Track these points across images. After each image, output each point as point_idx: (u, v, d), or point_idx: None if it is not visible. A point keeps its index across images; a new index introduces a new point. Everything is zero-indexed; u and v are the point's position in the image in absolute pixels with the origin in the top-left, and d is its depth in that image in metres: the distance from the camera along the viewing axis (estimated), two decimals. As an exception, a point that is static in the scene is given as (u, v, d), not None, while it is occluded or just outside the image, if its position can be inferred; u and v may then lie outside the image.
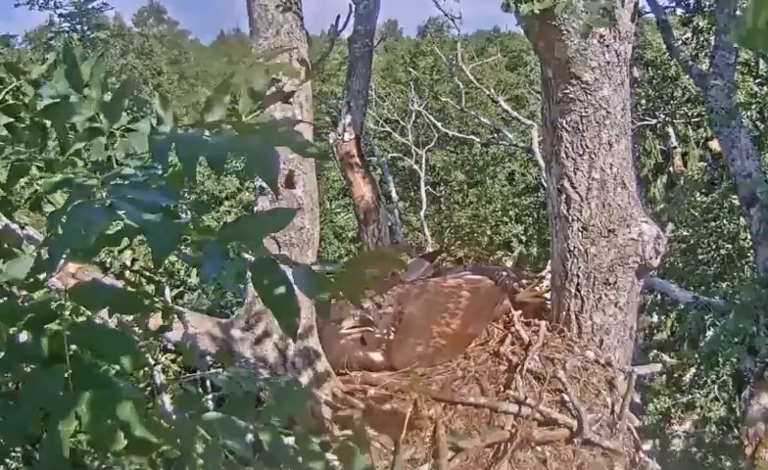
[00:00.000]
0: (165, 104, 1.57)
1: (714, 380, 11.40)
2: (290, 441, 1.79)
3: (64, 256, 1.36)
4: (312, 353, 4.17)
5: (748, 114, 9.70)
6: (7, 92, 1.98)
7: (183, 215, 1.43)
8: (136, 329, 2.16)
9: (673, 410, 12.35)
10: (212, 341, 4.09)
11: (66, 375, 1.40)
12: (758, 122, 10.25)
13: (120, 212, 1.29)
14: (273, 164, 1.35)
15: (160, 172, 1.43)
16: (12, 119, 1.95)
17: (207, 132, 1.38)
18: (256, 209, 4.37)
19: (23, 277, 1.54)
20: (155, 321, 2.04)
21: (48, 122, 1.88)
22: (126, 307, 1.60)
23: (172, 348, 5.30)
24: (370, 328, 4.46)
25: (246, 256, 1.34)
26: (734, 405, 11.68)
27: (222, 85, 1.52)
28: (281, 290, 1.32)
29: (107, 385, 1.43)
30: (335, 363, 4.35)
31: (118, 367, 1.50)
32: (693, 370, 11.49)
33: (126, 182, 1.43)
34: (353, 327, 4.46)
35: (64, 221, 1.31)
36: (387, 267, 1.47)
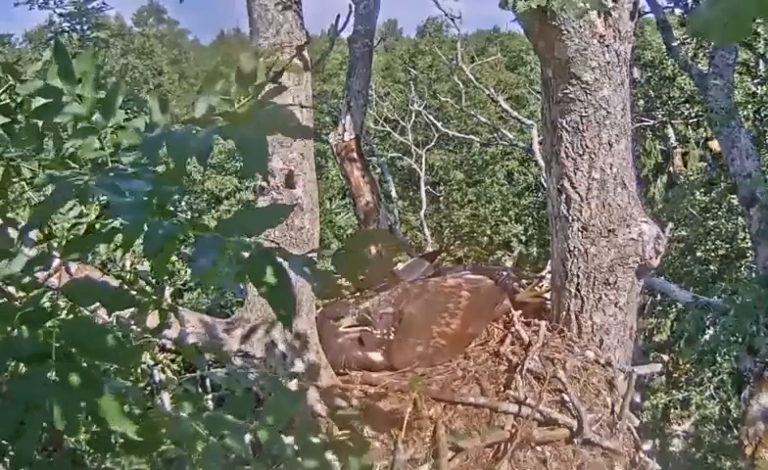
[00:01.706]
0: (162, 104, 1.57)
1: (711, 378, 11.42)
2: (289, 440, 1.78)
3: (57, 254, 1.37)
4: (309, 351, 4.16)
5: (744, 113, 9.72)
6: (3, 92, 1.98)
7: (182, 215, 1.43)
8: (134, 327, 2.16)
9: (672, 410, 12.37)
10: (210, 340, 4.08)
11: (51, 372, 1.41)
12: (756, 122, 10.27)
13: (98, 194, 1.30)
14: (264, 153, 1.36)
15: (151, 169, 1.43)
16: (8, 119, 1.94)
17: (197, 128, 1.38)
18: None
19: (13, 273, 1.54)
20: (152, 319, 2.04)
21: (40, 123, 1.87)
22: (120, 304, 1.60)
23: (172, 347, 5.29)
24: (368, 328, 4.45)
25: (245, 254, 1.33)
26: (729, 404, 11.70)
27: (213, 74, 1.51)
28: (277, 280, 1.32)
29: (90, 381, 1.43)
30: (334, 362, 4.35)
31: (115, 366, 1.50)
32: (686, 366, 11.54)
33: (114, 174, 1.43)
34: (351, 326, 4.46)
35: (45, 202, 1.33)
36: (386, 258, 1.48)
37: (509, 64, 27.42)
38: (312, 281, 1.34)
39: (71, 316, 1.52)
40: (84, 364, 1.46)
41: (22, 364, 1.51)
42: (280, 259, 1.33)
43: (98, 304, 1.54)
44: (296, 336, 4.05)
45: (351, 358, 4.42)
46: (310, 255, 1.36)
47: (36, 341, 1.44)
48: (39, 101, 1.77)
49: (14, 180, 1.92)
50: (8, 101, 1.99)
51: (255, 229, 1.36)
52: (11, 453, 1.56)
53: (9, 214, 1.95)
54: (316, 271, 1.34)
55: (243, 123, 1.38)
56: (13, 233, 1.75)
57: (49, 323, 1.45)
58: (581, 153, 4.24)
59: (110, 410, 1.43)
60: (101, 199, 1.59)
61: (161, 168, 1.47)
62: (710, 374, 11.21)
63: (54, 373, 1.41)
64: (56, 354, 1.42)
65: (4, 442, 1.54)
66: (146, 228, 1.27)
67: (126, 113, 1.80)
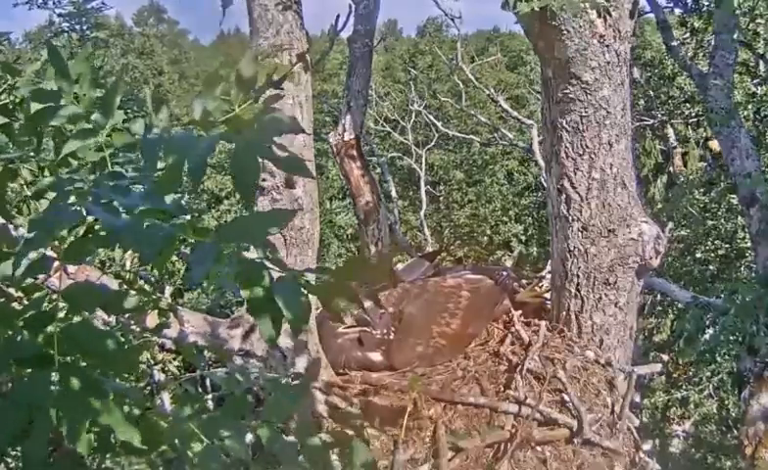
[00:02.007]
0: (156, 103, 1.56)
1: (710, 378, 11.43)
2: (289, 439, 1.78)
3: (54, 255, 1.36)
4: (309, 350, 4.16)
5: (744, 113, 9.72)
6: (2, 92, 1.97)
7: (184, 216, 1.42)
8: (134, 327, 2.16)
9: (672, 409, 12.38)
10: (212, 339, 4.08)
11: (54, 376, 1.40)
12: (756, 122, 10.26)
13: (92, 216, 1.29)
14: (254, 175, 1.35)
15: (152, 173, 1.42)
16: (8, 119, 1.93)
17: (197, 131, 1.37)
18: (256, 209, 4.36)
19: (10, 274, 1.53)
20: (152, 319, 2.04)
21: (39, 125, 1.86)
22: (121, 307, 1.60)
23: (172, 347, 5.29)
24: (367, 328, 4.45)
25: (246, 254, 1.32)
26: (727, 402, 11.71)
27: (212, 76, 1.51)
28: (265, 297, 1.30)
29: (94, 386, 1.42)
30: (334, 363, 4.35)
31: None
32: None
33: (112, 184, 1.42)
34: (350, 326, 4.46)
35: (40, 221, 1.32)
36: (376, 279, 1.44)
37: (509, 64, 27.43)
38: (289, 311, 1.31)
39: (69, 317, 1.51)
40: (84, 365, 1.45)
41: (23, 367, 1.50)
42: (274, 273, 1.31)
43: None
44: (295, 335, 4.05)
45: (350, 358, 4.42)
46: (307, 272, 1.33)
47: (37, 344, 1.43)
48: (36, 102, 1.76)
49: (11, 185, 1.91)
50: (6, 101, 1.98)
51: (256, 235, 1.34)
52: (13, 455, 1.55)
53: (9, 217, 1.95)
54: (299, 297, 1.30)
55: (245, 127, 1.37)
56: (13, 231, 1.75)
57: (50, 328, 1.44)
58: (581, 153, 4.24)
59: (114, 418, 1.42)
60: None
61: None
62: (709, 374, 11.22)
63: (57, 377, 1.40)
64: (57, 358, 1.42)
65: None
66: (144, 232, 1.26)
67: (126, 113, 1.80)
